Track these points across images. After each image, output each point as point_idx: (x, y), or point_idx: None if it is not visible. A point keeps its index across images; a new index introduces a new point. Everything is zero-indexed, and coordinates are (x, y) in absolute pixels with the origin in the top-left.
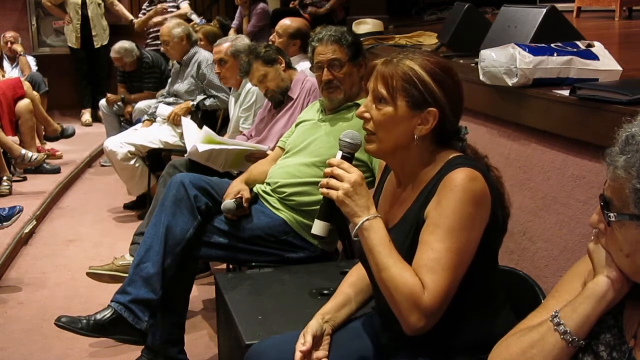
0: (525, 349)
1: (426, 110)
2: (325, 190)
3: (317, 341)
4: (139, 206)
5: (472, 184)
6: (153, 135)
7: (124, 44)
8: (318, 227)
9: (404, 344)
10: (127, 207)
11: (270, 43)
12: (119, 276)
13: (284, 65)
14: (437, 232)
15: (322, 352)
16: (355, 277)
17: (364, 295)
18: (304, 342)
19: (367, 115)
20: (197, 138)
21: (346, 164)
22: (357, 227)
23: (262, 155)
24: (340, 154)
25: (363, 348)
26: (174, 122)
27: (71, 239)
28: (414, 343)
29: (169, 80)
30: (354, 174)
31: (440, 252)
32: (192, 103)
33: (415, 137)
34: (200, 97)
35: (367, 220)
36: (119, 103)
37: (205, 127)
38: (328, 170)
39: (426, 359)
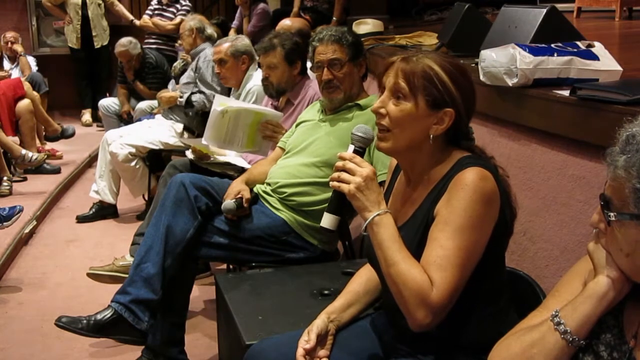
0: (525, 348)
1: (443, 110)
2: (336, 184)
3: (320, 340)
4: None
5: (482, 183)
6: (153, 136)
7: (128, 38)
8: (327, 220)
9: (408, 341)
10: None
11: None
12: (119, 276)
13: (298, 70)
14: (446, 230)
15: (323, 352)
16: (363, 278)
17: (370, 296)
18: (307, 339)
19: (382, 110)
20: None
21: (358, 158)
22: (366, 222)
23: (277, 124)
24: (352, 147)
25: (365, 346)
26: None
27: (71, 239)
28: (418, 341)
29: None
30: (365, 168)
31: (449, 249)
32: (179, 98)
33: (430, 136)
34: (187, 93)
35: (377, 215)
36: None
37: (216, 95)
38: (339, 163)
39: (430, 357)
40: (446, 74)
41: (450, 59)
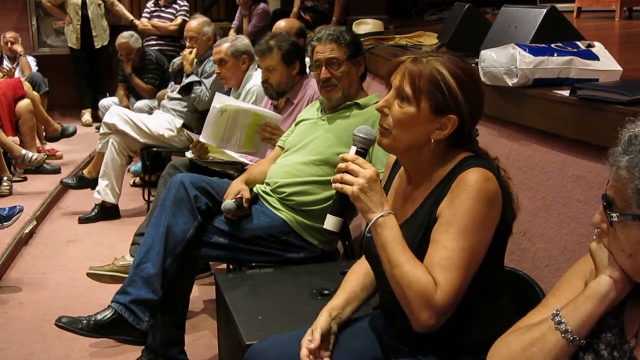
0: (526, 346)
1: (446, 116)
2: (339, 185)
3: (323, 339)
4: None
5: (485, 183)
6: (151, 121)
7: (130, 32)
8: (330, 222)
9: (408, 342)
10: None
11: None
12: (119, 276)
13: (297, 70)
14: (450, 231)
15: (327, 352)
16: (359, 274)
17: (367, 292)
18: (311, 339)
19: (386, 110)
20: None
21: (360, 159)
22: (370, 223)
23: (276, 127)
24: (354, 149)
25: (365, 346)
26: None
27: (71, 239)
28: (418, 341)
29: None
30: (368, 170)
31: (453, 250)
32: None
33: (432, 140)
34: (195, 79)
35: (381, 216)
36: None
37: (217, 93)
38: (342, 165)
39: (430, 358)
40: (454, 79)
41: (460, 64)
